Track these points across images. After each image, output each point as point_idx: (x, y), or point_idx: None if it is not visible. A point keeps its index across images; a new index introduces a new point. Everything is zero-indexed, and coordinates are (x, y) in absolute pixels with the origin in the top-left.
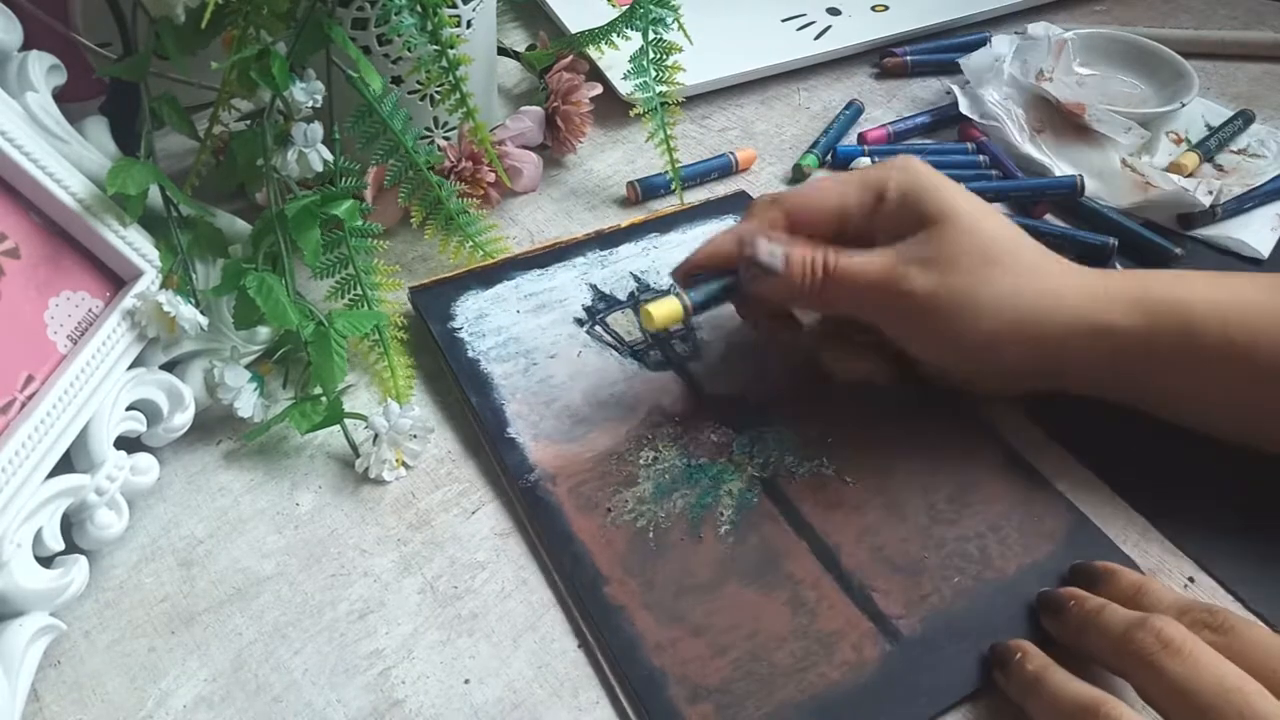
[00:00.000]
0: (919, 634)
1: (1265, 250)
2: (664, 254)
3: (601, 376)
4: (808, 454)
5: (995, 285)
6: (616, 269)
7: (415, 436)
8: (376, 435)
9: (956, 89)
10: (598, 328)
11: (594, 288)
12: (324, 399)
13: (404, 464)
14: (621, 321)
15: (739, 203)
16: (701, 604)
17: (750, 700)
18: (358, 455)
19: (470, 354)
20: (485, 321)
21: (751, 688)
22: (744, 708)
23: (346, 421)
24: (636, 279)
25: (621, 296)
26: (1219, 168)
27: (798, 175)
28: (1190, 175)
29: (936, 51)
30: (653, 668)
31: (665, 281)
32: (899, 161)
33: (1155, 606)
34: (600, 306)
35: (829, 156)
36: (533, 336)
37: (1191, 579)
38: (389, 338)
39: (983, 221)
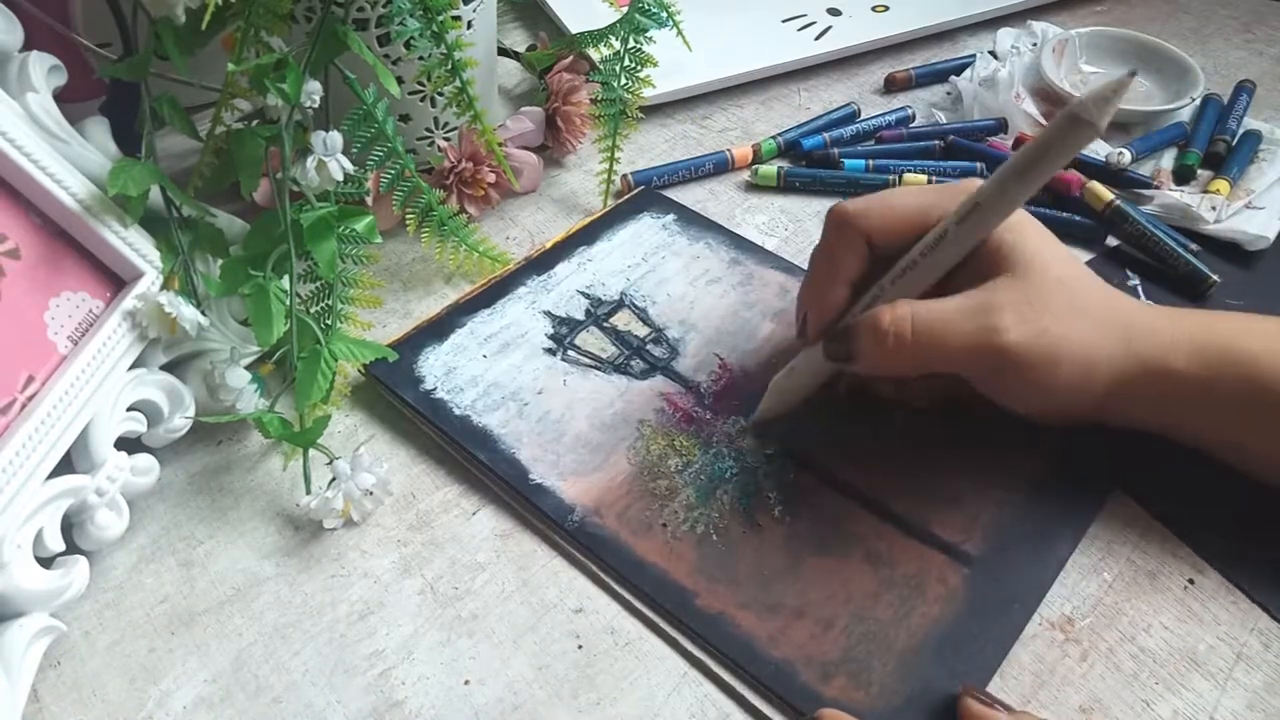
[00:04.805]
0: (985, 550)
1: (1270, 235)
2: (600, 264)
3: (596, 399)
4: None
5: (1081, 335)
6: (561, 290)
7: (371, 494)
8: (334, 479)
9: (941, 116)
10: (570, 352)
11: (549, 314)
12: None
13: (349, 517)
14: (590, 341)
15: (650, 200)
16: (790, 587)
17: (875, 659)
18: (308, 491)
19: (457, 412)
20: (456, 375)
21: (871, 648)
22: (872, 668)
23: (312, 451)
24: (586, 295)
25: (580, 316)
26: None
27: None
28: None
29: (938, 65)
30: (776, 660)
31: (613, 293)
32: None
33: None
34: (564, 331)
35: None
36: (511, 378)
37: (1191, 581)
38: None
39: (1065, 268)
